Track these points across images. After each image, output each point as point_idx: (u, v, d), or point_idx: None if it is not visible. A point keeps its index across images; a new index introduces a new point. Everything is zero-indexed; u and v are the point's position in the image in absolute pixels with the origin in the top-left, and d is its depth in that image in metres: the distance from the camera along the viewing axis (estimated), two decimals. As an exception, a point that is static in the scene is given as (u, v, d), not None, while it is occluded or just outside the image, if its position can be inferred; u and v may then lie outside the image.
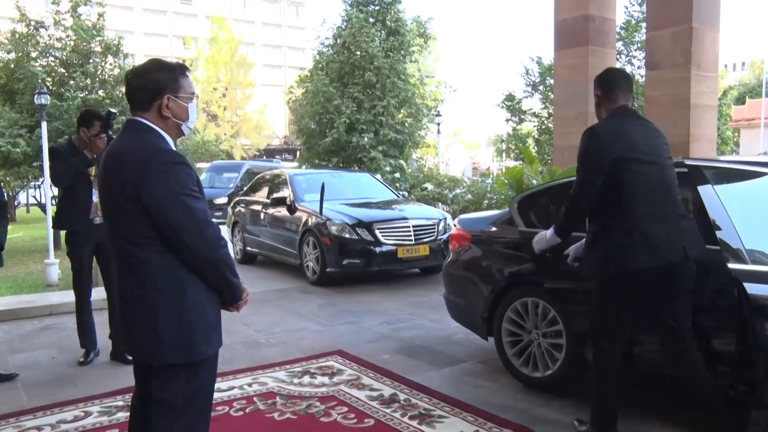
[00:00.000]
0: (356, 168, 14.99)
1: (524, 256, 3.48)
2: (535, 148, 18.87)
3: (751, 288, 2.53)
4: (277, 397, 3.40)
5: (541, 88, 19.59)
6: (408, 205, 7.73)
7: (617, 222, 2.55)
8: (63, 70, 10.84)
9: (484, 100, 72.28)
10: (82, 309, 4.10)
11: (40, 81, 9.64)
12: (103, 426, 3.06)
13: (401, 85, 16.14)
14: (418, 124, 17.44)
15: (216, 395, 2.92)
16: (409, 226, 6.84)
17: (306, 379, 3.72)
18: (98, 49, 10.97)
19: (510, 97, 20.45)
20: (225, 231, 8.63)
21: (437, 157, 22.72)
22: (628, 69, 17.66)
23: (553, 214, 3.53)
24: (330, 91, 15.78)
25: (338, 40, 16.59)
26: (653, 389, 3.17)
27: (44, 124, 7.76)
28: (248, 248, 8.54)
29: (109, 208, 1.84)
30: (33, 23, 10.87)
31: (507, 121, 20.81)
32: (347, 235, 6.65)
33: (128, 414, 2.09)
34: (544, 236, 2.97)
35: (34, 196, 16.42)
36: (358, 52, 16.07)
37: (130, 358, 2.11)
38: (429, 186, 10.84)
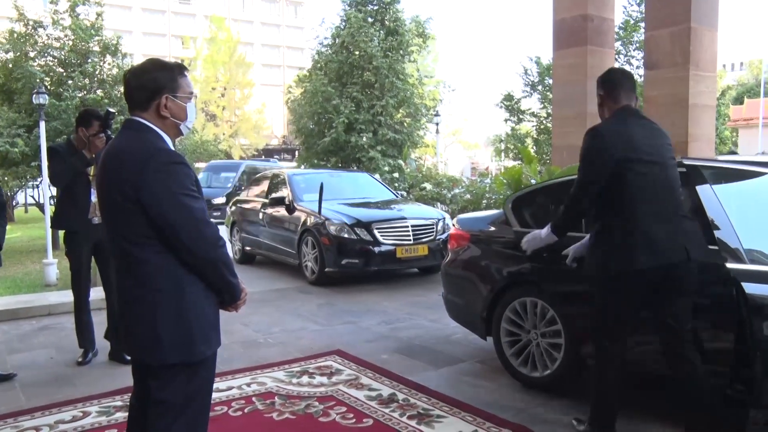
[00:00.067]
0: (355, 168, 15.00)
1: (523, 256, 3.47)
2: (534, 147, 18.88)
3: (749, 288, 2.53)
4: (276, 397, 3.40)
5: (539, 87, 19.61)
6: (407, 205, 7.72)
7: (619, 222, 2.55)
8: (61, 70, 10.83)
9: (482, 100, 72.37)
10: (81, 309, 4.10)
11: (38, 81, 9.63)
12: (102, 426, 3.06)
13: (400, 84, 16.15)
14: (417, 123, 17.46)
15: (214, 395, 2.94)
16: (407, 226, 6.83)
17: (305, 379, 3.71)
18: (97, 48, 10.97)
19: (509, 97, 20.47)
20: (224, 231, 8.63)
21: (436, 156, 22.74)
22: (627, 69, 17.65)
23: (549, 214, 3.53)
24: (329, 91, 15.79)
25: (337, 40, 16.60)
26: (653, 389, 3.17)
27: (42, 124, 7.75)
28: (247, 248, 8.53)
29: (107, 208, 1.84)
30: (31, 23, 10.86)
31: (506, 120, 20.82)
32: (346, 235, 6.65)
33: (127, 414, 2.09)
34: (539, 235, 2.95)
35: (33, 196, 16.40)
36: (357, 52, 16.08)
37: (129, 358, 2.11)
38: (428, 186, 10.85)
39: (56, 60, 10.88)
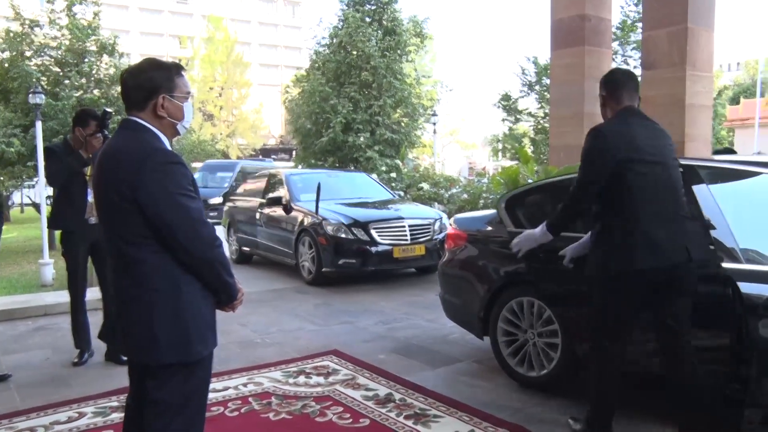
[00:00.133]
0: (352, 168, 14.98)
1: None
2: (531, 147, 18.90)
3: (745, 287, 2.53)
4: (273, 397, 3.39)
5: (537, 87, 19.63)
6: (404, 205, 7.73)
7: (619, 222, 2.55)
8: (58, 70, 10.79)
9: (480, 100, 72.35)
10: (77, 309, 4.09)
11: (34, 80, 9.60)
12: (98, 427, 3.05)
13: (397, 84, 16.14)
14: (415, 123, 17.44)
15: (211, 395, 2.92)
16: (404, 226, 6.83)
17: (301, 379, 3.70)
18: (93, 48, 10.94)
19: (506, 97, 20.48)
20: (220, 231, 8.62)
21: (433, 156, 22.73)
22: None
23: (543, 213, 3.53)
24: (326, 91, 15.77)
25: (335, 40, 16.58)
26: (653, 389, 3.18)
27: (39, 124, 7.73)
28: (244, 248, 8.52)
29: (104, 208, 1.84)
30: (27, 22, 10.82)
31: (503, 120, 20.84)
32: (343, 235, 6.64)
33: (123, 415, 2.09)
34: (533, 235, 2.94)
35: (29, 196, 16.35)
36: (355, 52, 16.07)
37: (125, 358, 2.10)
38: (425, 186, 10.86)
39: (53, 59, 10.84)
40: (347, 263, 6.65)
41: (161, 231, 1.73)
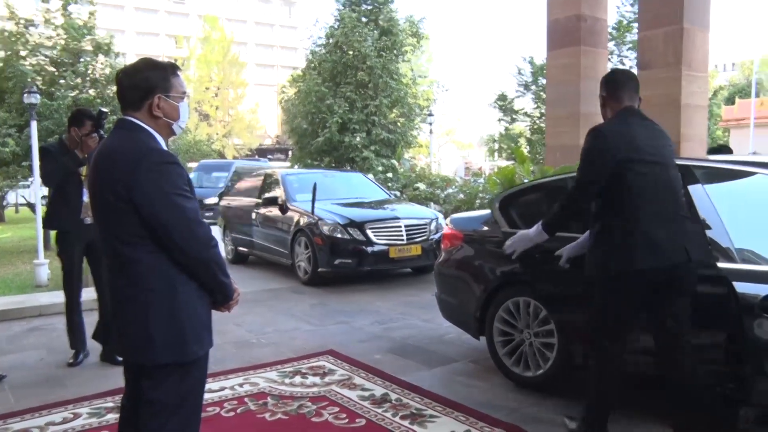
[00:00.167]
0: (348, 168, 14.97)
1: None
2: (527, 147, 18.95)
3: (740, 287, 2.54)
4: (269, 398, 3.39)
5: (533, 87, 19.68)
6: (400, 205, 7.72)
7: (619, 222, 2.54)
8: (53, 69, 10.74)
9: (476, 100, 72.36)
10: (72, 309, 4.07)
11: (29, 80, 9.55)
12: (93, 428, 3.04)
13: (394, 84, 16.14)
14: (411, 123, 17.44)
15: (207, 396, 2.91)
16: (401, 226, 6.83)
17: (297, 379, 3.70)
18: (89, 48, 10.88)
19: (502, 97, 20.52)
20: (216, 231, 8.60)
21: (429, 156, 22.76)
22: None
23: (537, 213, 3.52)
24: (322, 91, 15.75)
25: (331, 40, 16.56)
26: (653, 389, 3.19)
27: (34, 124, 7.68)
28: (239, 248, 8.49)
29: (99, 208, 1.84)
30: (22, 21, 10.75)
31: (499, 120, 20.89)
32: (339, 235, 6.63)
33: (118, 416, 2.08)
34: (526, 235, 2.93)
35: (24, 196, 16.27)
36: (351, 52, 16.05)
37: (120, 359, 2.10)
38: (421, 186, 10.86)
39: (48, 59, 10.78)
40: (343, 263, 6.64)
41: (157, 231, 1.73)
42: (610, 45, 17.06)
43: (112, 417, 3.08)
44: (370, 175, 10.32)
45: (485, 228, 3.91)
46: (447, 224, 4.34)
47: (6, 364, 4.08)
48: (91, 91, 10.70)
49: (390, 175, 12.46)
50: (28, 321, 5.29)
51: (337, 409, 3.22)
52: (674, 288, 2.54)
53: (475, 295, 3.77)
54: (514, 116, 20.46)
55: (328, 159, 16.05)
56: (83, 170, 3.90)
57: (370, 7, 17.31)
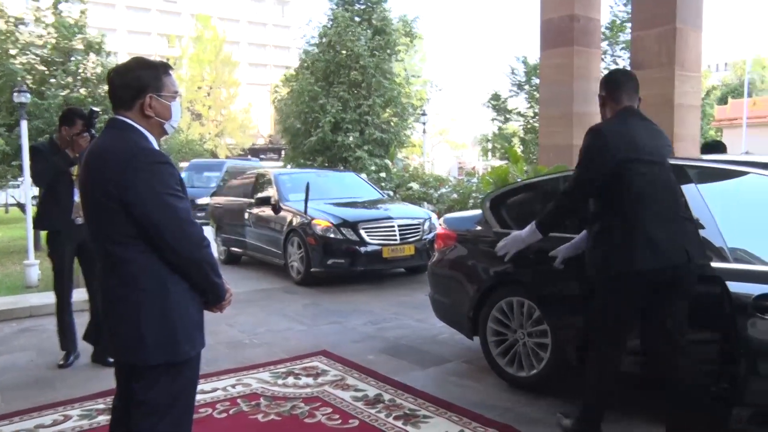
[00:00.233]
0: (341, 167, 14.94)
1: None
2: (521, 147, 18.99)
3: (734, 286, 2.55)
4: (261, 399, 3.37)
5: (526, 87, 19.73)
6: (393, 205, 7.72)
7: (619, 222, 2.54)
8: (44, 68, 10.63)
9: (470, 100, 72.56)
10: (63, 310, 4.04)
11: (19, 79, 9.46)
12: (84, 430, 3.01)
13: (387, 84, 16.11)
14: (404, 123, 17.42)
15: (199, 397, 2.91)
16: (394, 226, 6.82)
17: (290, 379, 3.68)
18: (80, 46, 10.78)
19: (496, 97, 20.55)
20: (209, 231, 8.55)
21: (423, 156, 22.75)
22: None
23: (528, 213, 3.52)
24: (315, 90, 15.71)
25: (324, 39, 16.51)
26: (653, 389, 3.19)
27: (24, 123, 7.61)
28: (232, 248, 8.45)
29: (90, 208, 1.83)
30: (12, 20, 10.63)
31: (493, 120, 20.92)
32: (332, 235, 6.62)
33: (109, 417, 2.06)
34: (519, 236, 2.92)
35: (14, 196, 16.13)
36: (344, 51, 16.02)
37: (112, 360, 2.09)
38: (414, 185, 10.85)
39: (38, 58, 10.68)
40: (336, 263, 6.62)
41: (148, 231, 1.73)
42: (604, 45, 17.14)
43: (104, 419, 3.05)
44: (363, 175, 10.30)
45: (478, 228, 3.91)
46: (440, 224, 4.34)
47: (-5, 365, 4.04)
48: (82, 91, 10.61)
49: (383, 174, 12.46)
50: (19, 322, 5.24)
51: (330, 409, 3.21)
52: (674, 289, 2.54)
53: (468, 295, 3.76)
54: (507, 116, 20.50)
55: (321, 159, 16.01)
56: (74, 170, 3.87)
57: (363, 7, 17.27)
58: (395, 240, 6.76)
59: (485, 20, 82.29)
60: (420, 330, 4.88)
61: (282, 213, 7.22)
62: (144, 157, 1.74)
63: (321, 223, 6.69)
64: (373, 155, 15.47)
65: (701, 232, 2.68)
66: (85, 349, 4.13)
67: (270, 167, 12.61)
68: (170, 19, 49.53)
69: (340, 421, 3.07)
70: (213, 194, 10.54)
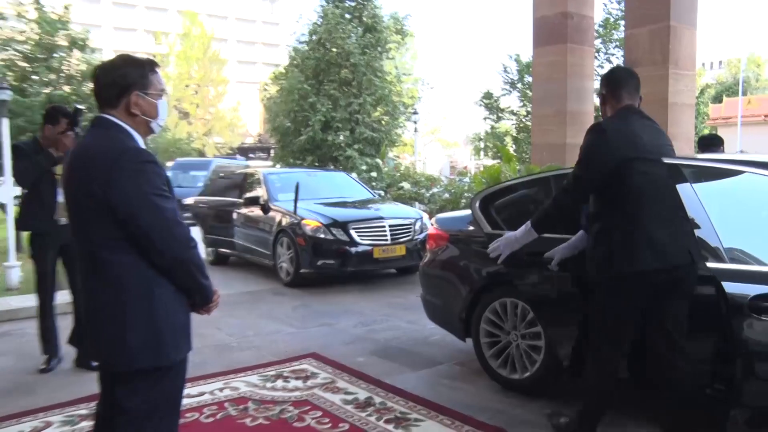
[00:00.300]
0: (332, 167, 14.89)
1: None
2: (513, 146, 19.06)
3: (729, 287, 2.52)
4: (249, 402, 3.34)
5: (519, 85, 19.79)
6: (384, 205, 7.69)
7: (621, 222, 2.51)
8: (25, 65, 10.49)
9: (462, 98, 72.81)
10: (45, 314, 3.97)
11: (0, 75, 9.30)
12: (65, 437, 2.93)
13: (378, 82, 16.08)
14: (395, 122, 17.41)
15: (185, 401, 2.90)
16: (385, 226, 6.78)
17: (279, 383, 3.65)
18: (64, 43, 10.66)
19: (488, 95, 20.59)
20: (196, 232, 8.45)
21: (414, 155, 22.75)
22: (607, 67, 17.90)
23: (519, 212, 3.49)
24: (305, 89, 15.64)
25: (314, 37, 16.45)
26: (653, 389, 3.17)
27: (5, 121, 7.45)
28: (220, 249, 8.37)
29: (74, 208, 1.82)
30: (-7, 15, 10.49)
31: (485, 119, 20.97)
32: (322, 236, 6.57)
33: (92, 423, 2.02)
34: (512, 237, 2.89)
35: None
36: (334, 49, 15.96)
37: (96, 364, 2.05)
38: (406, 185, 10.83)
39: (20, 54, 10.51)
40: (326, 264, 6.57)
41: (134, 231, 1.71)
42: (597, 43, 17.20)
43: (86, 425, 2.99)
44: (354, 175, 10.27)
45: (471, 228, 3.87)
46: (432, 224, 4.32)
47: (-27, 370, 3.94)
48: (66, 88, 10.49)
49: (374, 174, 12.41)
50: (-2, 325, 5.13)
51: (319, 413, 3.18)
52: (675, 289, 2.51)
53: (461, 296, 3.73)
54: (500, 114, 20.55)
55: (311, 158, 15.95)
56: (57, 169, 3.80)
57: (353, 4, 17.21)
58: (386, 240, 6.72)
59: (477, 17, 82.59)
60: (411, 332, 4.85)
61: (271, 213, 7.16)
62: (130, 157, 1.73)
63: (311, 224, 6.64)
64: (363, 154, 15.43)
65: (697, 232, 2.65)
66: (67, 353, 4.05)
67: (259, 166, 12.51)
68: (157, 16, 49.07)
69: (330, 424, 3.04)
70: (200, 194, 10.39)
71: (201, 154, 32.86)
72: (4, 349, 4.49)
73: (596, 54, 16.17)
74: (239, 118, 39.90)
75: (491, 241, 3.07)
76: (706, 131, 25.15)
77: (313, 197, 7.25)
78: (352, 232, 6.60)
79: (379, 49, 16.81)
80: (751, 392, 2.55)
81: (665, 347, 2.53)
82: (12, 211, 7.14)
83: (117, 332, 1.73)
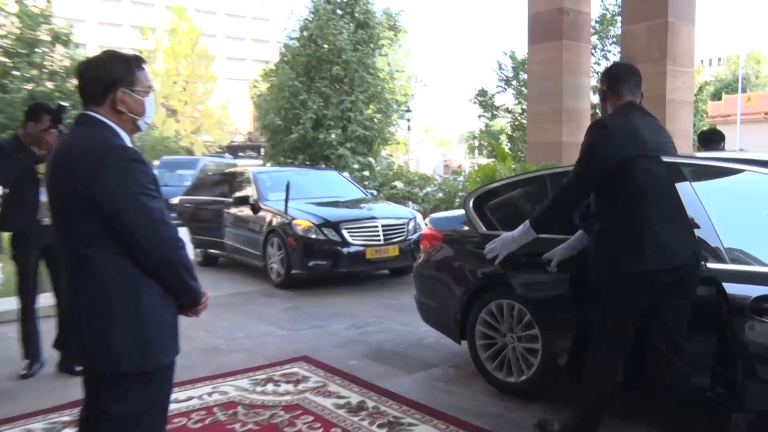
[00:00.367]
0: (323, 165, 14.83)
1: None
2: (508, 144, 19.07)
3: (730, 288, 2.50)
4: (239, 407, 3.30)
5: (514, 83, 19.78)
6: (377, 204, 7.65)
7: (623, 221, 2.47)
8: (6, 60, 10.29)
9: (456, 96, 72.95)
10: (27, 317, 3.89)
11: (-20, 71, 9.14)
12: (47, 445, 2.86)
13: (370, 79, 16.05)
14: (388, 120, 17.38)
15: (173, 406, 2.83)
16: (377, 226, 6.73)
17: (269, 387, 3.61)
18: (46, 37, 10.47)
19: (482, 93, 20.58)
20: (184, 232, 8.37)
21: (407, 154, 22.73)
22: (603, 64, 17.93)
23: (515, 212, 3.45)
24: (296, 86, 15.56)
25: (305, 33, 16.37)
26: (652, 393, 3.14)
27: (-14, 117, 7.33)
28: (209, 250, 8.27)
29: (58, 208, 1.79)
30: (-29, 9, 10.28)
31: (479, 117, 20.99)
32: (313, 236, 6.51)
33: (76, 430, 1.97)
34: (509, 237, 2.83)
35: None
36: (326, 45, 15.88)
37: (79, 369, 2.00)
38: (399, 184, 10.78)
39: (0, 49, 10.31)
40: (317, 265, 6.52)
41: (120, 231, 1.68)
42: (594, 39, 17.19)
43: (69, 432, 2.92)
44: (346, 174, 10.24)
45: (465, 228, 3.83)
46: (426, 224, 4.28)
47: (-48, 376, 3.84)
48: (49, 84, 10.32)
49: (366, 173, 12.35)
50: (-23, 329, 5.01)
51: (311, 418, 3.15)
52: (678, 289, 2.47)
53: (455, 297, 3.69)
54: (494, 112, 20.56)
55: (302, 156, 15.88)
56: (40, 168, 3.73)
57: (345, -1, 17.12)
58: (379, 240, 6.67)
59: (471, 14, 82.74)
60: (405, 334, 4.82)
61: (261, 213, 7.10)
62: (116, 155, 1.70)
63: (302, 224, 6.58)
64: (355, 153, 15.39)
65: (697, 232, 2.62)
66: (50, 357, 3.96)
67: (249, 165, 12.40)
68: (143, 10, 48.61)
69: (321, 429, 3.02)
70: (186, 193, 10.26)
71: (189, 152, 32.65)
72: (-16, 353, 4.39)
73: (593, 51, 16.21)
74: (228, 115, 39.72)
75: (486, 242, 3.02)
76: (705, 129, 25.32)
77: (304, 197, 7.19)
78: (344, 233, 6.55)
79: (371, 45, 16.76)
80: (752, 395, 2.52)
81: (666, 348, 2.50)
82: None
83: (102, 332, 1.70)
